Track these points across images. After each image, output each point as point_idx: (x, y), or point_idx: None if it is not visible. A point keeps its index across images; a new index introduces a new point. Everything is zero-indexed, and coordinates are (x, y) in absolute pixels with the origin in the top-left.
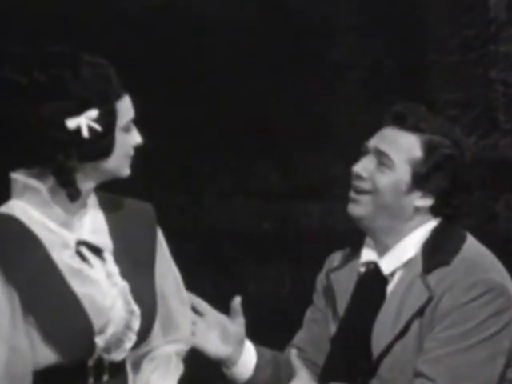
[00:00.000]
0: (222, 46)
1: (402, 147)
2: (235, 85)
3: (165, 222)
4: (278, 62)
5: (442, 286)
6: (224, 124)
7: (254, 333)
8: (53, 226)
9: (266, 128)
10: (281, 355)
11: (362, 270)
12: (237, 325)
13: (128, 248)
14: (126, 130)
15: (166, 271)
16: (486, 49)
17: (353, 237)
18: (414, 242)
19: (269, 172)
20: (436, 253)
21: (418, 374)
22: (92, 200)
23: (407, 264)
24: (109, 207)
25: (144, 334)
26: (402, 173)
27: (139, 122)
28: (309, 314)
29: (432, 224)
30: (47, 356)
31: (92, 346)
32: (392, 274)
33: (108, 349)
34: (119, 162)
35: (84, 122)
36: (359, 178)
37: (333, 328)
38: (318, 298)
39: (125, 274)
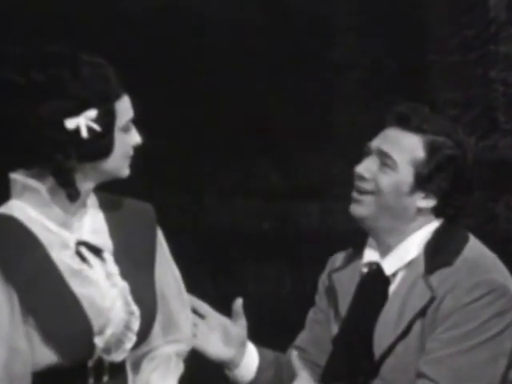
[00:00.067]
0: (222, 46)
1: (404, 148)
2: (235, 85)
3: (165, 222)
4: (277, 61)
5: (444, 287)
6: (224, 124)
7: (254, 333)
8: (52, 226)
9: (265, 128)
10: (283, 356)
11: (364, 270)
12: (238, 327)
13: (128, 248)
14: (126, 129)
15: (166, 271)
16: (486, 49)
17: (353, 237)
18: (416, 242)
19: (269, 172)
20: (438, 253)
21: (420, 375)
22: (92, 200)
23: (409, 264)
24: (109, 207)
25: (144, 335)
26: (405, 174)
27: (139, 121)
28: (311, 314)
29: (434, 225)
30: (46, 356)
31: (91, 346)
32: (394, 274)
33: (108, 349)
34: (118, 162)
35: (83, 122)
36: (362, 178)
37: (335, 328)
38: (320, 299)
39: (125, 275)
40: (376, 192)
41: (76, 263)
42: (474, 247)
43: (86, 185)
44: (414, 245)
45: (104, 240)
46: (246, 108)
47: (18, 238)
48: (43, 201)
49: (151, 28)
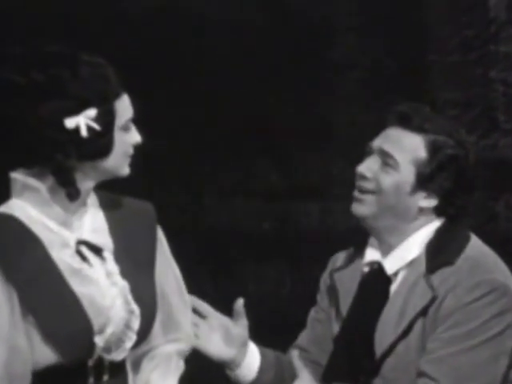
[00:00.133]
0: (222, 46)
1: (406, 148)
2: (235, 85)
3: (165, 222)
4: (277, 62)
5: (446, 286)
6: (224, 124)
7: (254, 333)
8: (52, 225)
9: (266, 128)
10: (284, 356)
11: (366, 269)
12: (240, 327)
13: (128, 247)
14: (125, 129)
15: (167, 270)
16: (486, 49)
17: (353, 236)
18: (417, 241)
19: (269, 172)
20: (440, 253)
21: (421, 374)
22: (92, 199)
23: (411, 264)
24: (109, 206)
25: (144, 334)
26: (407, 173)
27: (139, 121)
28: (312, 313)
29: (436, 224)
30: (47, 356)
31: (91, 345)
32: (395, 273)
33: (108, 348)
34: (118, 161)
35: (83, 121)
36: (363, 178)
37: (336, 328)
38: (322, 298)
39: (125, 274)
40: (378, 192)
41: (76, 262)
42: (476, 247)
43: (86, 184)
44: (415, 244)
45: (104, 239)
46: (246, 108)
47: (18, 237)
48: (43, 200)
49: (151, 28)
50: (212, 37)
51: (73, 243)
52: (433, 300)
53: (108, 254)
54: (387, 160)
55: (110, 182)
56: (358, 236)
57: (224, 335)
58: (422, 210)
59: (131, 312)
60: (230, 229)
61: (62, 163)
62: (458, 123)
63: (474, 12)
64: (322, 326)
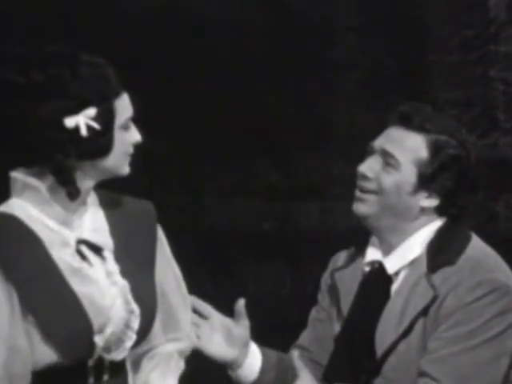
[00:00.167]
0: (222, 46)
1: (407, 147)
2: (235, 85)
3: (165, 222)
4: (278, 61)
5: (447, 286)
6: (224, 124)
7: (254, 333)
8: (52, 224)
9: (265, 128)
10: (285, 356)
11: (367, 269)
12: (241, 327)
13: (128, 246)
14: (125, 128)
15: (167, 269)
16: (486, 49)
17: (353, 236)
18: (419, 241)
19: (269, 172)
20: (441, 252)
21: (422, 374)
22: (92, 198)
23: (412, 263)
24: (109, 205)
25: (144, 333)
26: (408, 173)
27: (139, 121)
28: (313, 313)
29: (437, 224)
30: (47, 355)
31: (91, 345)
32: (397, 273)
33: (108, 348)
34: (118, 161)
35: (82, 120)
36: (365, 178)
37: (337, 327)
38: (323, 298)
39: (125, 273)
40: (379, 191)
41: (76, 261)
42: (477, 246)
43: (86, 183)
44: (416, 244)
45: (104, 238)
46: (246, 108)
47: (19, 236)
48: (43, 199)
49: (151, 28)
50: (212, 37)
51: (73, 242)
52: (434, 300)
53: (108, 254)
54: (389, 160)
55: (110, 181)
56: (358, 236)
57: (225, 335)
58: (423, 210)
59: (131, 312)
60: (230, 229)
61: (62, 163)
62: (458, 123)
63: (473, 12)
64: (323, 325)
